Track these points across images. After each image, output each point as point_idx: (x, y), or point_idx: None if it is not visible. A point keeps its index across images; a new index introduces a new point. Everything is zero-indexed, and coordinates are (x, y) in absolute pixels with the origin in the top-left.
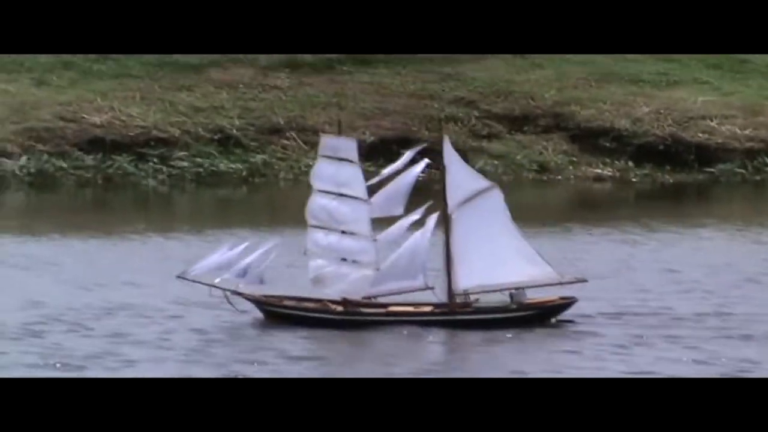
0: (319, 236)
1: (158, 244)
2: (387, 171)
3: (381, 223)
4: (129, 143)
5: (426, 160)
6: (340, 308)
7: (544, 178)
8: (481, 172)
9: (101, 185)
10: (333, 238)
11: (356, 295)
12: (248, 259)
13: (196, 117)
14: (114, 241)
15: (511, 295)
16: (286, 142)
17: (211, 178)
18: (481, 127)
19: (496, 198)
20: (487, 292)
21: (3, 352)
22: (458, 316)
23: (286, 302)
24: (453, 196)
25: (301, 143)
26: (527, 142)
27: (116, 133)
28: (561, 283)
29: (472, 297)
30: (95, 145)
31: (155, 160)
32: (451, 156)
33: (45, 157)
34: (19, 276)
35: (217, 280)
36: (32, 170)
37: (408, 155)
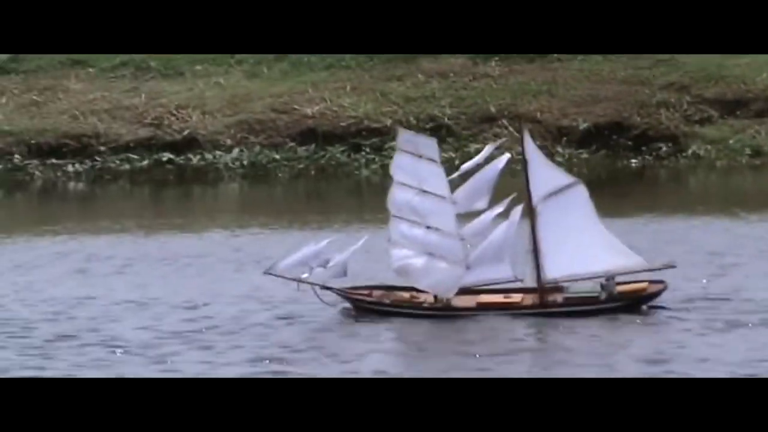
0: (404, 227)
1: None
2: (466, 166)
3: (463, 217)
4: (341, 134)
5: (508, 155)
6: (430, 300)
7: (758, 162)
8: (695, 156)
9: (314, 176)
10: (419, 232)
11: (445, 292)
12: (332, 254)
13: (407, 106)
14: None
15: (602, 285)
16: (498, 130)
17: None
18: (694, 112)
19: (581, 193)
20: (576, 280)
21: (239, 345)
22: (550, 308)
23: (376, 293)
24: (537, 190)
25: (513, 131)
26: (740, 127)
27: (328, 123)
28: (650, 270)
29: (561, 286)
30: (308, 136)
31: (368, 149)
32: (532, 150)
33: (258, 148)
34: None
35: (304, 275)
36: (246, 162)
37: (487, 149)
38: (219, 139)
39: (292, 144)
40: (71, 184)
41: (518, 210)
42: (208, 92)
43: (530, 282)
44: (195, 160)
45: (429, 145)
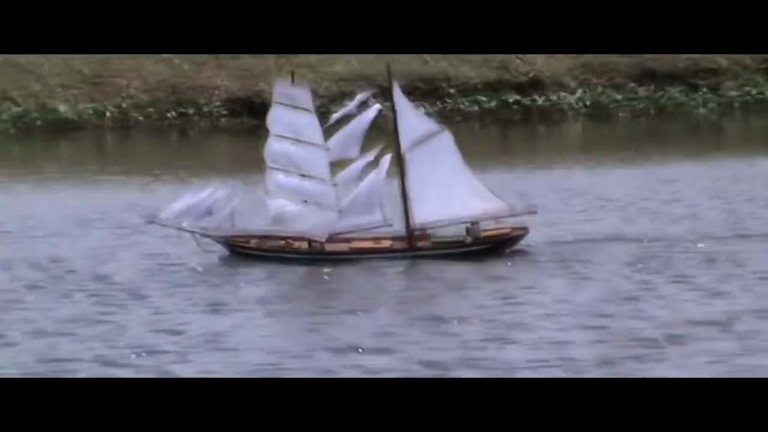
0: (279, 177)
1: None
2: (337, 115)
3: (336, 165)
4: (680, 74)
5: (378, 106)
6: (304, 246)
7: None
8: None
9: (654, 116)
10: (294, 180)
11: (319, 236)
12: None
13: None
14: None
15: (468, 229)
16: None
17: (758, 105)
18: None
19: (447, 140)
20: (444, 226)
21: None
22: (419, 251)
23: (252, 241)
24: (405, 138)
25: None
26: None
27: (667, 64)
28: (514, 215)
29: (428, 231)
30: (647, 76)
31: (704, 89)
32: (401, 100)
33: (600, 89)
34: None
35: (184, 224)
36: (588, 102)
37: (358, 99)
38: (562, 80)
39: (632, 84)
40: None
41: (388, 158)
42: None
43: (400, 227)
44: (540, 101)
45: (303, 95)
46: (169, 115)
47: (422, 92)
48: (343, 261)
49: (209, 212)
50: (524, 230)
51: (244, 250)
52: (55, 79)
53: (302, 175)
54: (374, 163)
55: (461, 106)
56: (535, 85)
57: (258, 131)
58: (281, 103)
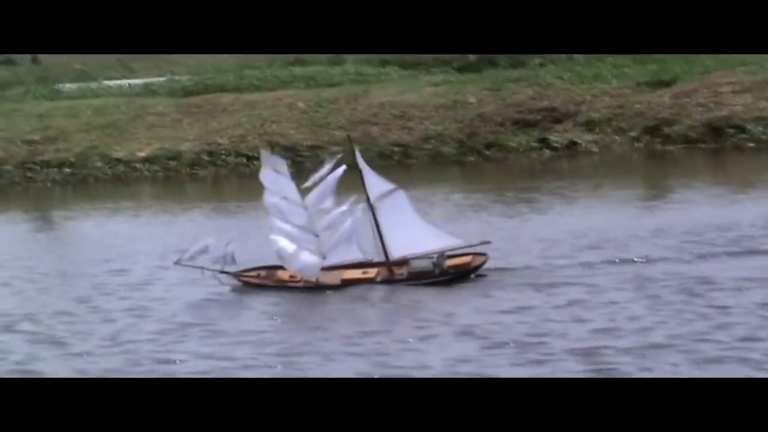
0: (276, 222)
1: None
2: (314, 177)
3: (316, 217)
4: None
5: (344, 166)
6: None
7: None
8: None
9: None
10: (286, 227)
11: (309, 277)
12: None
13: None
14: None
15: (433, 263)
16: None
17: None
18: None
19: (402, 196)
20: (416, 258)
21: None
22: (398, 281)
23: (262, 275)
24: (372, 192)
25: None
26: None
27: None
28: (471, 245)
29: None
30: None
31: None
32: (362, 163)
33: None
34: None
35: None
36: None
37: (328, 162)
38: None
39: None
40: None
41: (360, 207)
42: None
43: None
44: None
45: (281, 163)
46: None
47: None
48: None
49: (224, 253)
50: (484, 256)
51: (255, 284)
52: None
53: (291, 224)
54: (348, 212)
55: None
56: None
57: None
58: (268, 167)
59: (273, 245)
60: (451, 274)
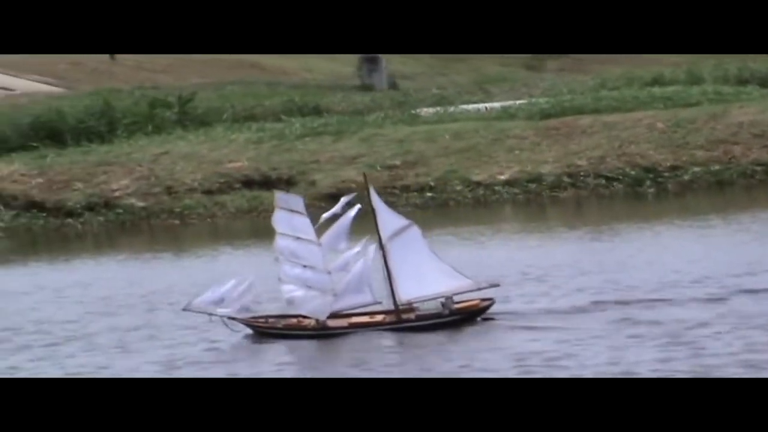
0: (287, 268)
1: None
2: (326, 215)
3: (329, 256)
4: None
5: (358, 206)
6: (312, 323)
7: None
8: None
9: None
10: (297, 270)
11: (321, 315)
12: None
13: None
14: None
15: (442, 304)
16: None
17: None
18: None
19: (416, 232)
20: (424, 301)
21: None
22: (405, 323)
23: (271, 321)
24: (384, 232)
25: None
26: None
27: None
28: (479, 289)
29: (415, 305)
30: None
31: None
32: (377, 201)
33: None
34: None
35: (218, 311)
36: None
37: (342, 201)
38: None
39: None
40: None
41: (372, 248)
42: None
43: (388, 304)
44: None
45: (298, 201)
46: None
47: None
48: (344, 334)
49: (236, 300)
50: (490, 301)
51: (264, 330)
52: None
53: (303, 266)
54: (361, 253)
55: None
56: None
57: None
58: (282, 208)
59: (283, 294)
60: (459, 315)
